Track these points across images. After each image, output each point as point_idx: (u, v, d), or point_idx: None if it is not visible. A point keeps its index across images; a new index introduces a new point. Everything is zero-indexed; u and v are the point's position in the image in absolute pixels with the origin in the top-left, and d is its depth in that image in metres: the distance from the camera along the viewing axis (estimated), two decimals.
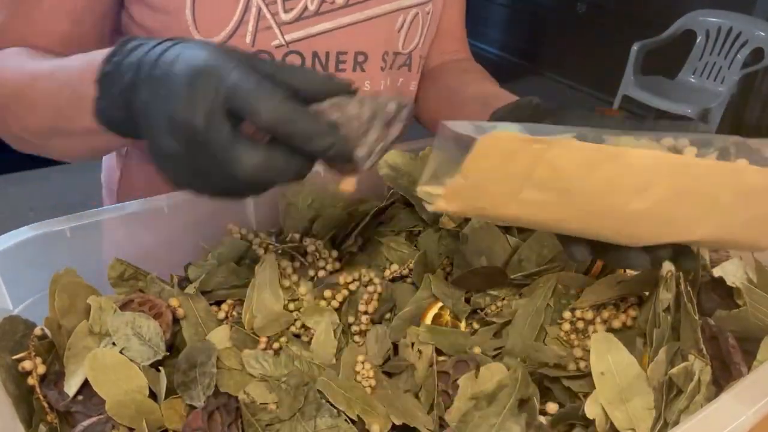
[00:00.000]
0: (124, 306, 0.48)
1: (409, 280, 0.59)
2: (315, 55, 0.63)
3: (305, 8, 0.61)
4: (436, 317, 0.54)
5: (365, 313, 0.54)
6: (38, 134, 0.50)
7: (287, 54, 0.62)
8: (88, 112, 0.42)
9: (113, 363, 0.44)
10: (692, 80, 2.97)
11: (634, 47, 2.88)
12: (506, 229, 0.60)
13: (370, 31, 0.65)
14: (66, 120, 0.46)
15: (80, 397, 0.43)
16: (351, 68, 0.66)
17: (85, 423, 0.42)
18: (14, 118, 0.51)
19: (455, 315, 0.54)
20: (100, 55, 0.41)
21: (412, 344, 0.52)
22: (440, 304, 0.54)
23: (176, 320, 0.50)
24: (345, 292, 0.55)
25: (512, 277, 0.55)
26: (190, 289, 0.52)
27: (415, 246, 0.61)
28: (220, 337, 0.50)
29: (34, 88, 0.48)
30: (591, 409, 0.43)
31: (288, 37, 0.61)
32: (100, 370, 0.43)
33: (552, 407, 0.47)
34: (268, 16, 0.59)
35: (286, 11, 0.60)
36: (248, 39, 0.60)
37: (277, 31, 0.60)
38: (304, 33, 0.61)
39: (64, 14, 0.56)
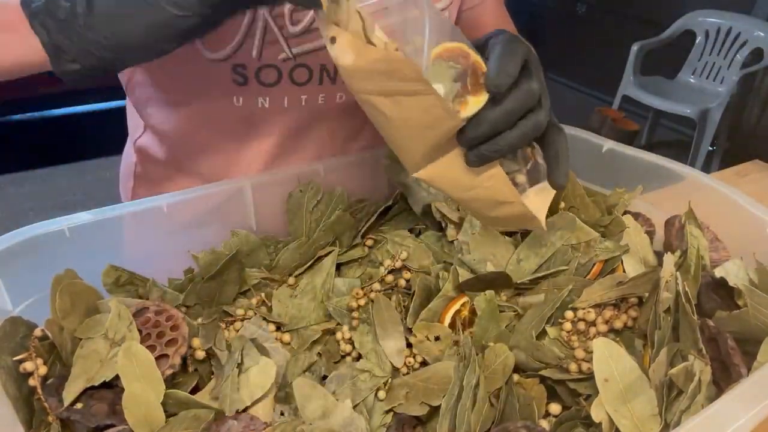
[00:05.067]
0: (138, 313, 0.48)
1: (406, 275, 0.59)
2: (323, 68, 0.62)
3: (313, 20, 0.59)
4: (456, 312, 0.54)
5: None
6: None
7: (294, 67, 0.61)
8: None
9: None
10: (692, 80, 2.97)
11: (634, 47, 2.87)
12: (509, 234, 0.60)
13: None
14: None
15: (79, 405, 0.43)
16: None
17: None
18: None
19: (473, 310, 0.54)
20: None
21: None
22: (464, 299, 0.54)
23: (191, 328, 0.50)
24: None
25: (518, 282, 0.55)
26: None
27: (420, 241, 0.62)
28: None
29: None
30: (597, 412, 0.43)
31: (295, 50, 0.60)
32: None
33: (555, 408, 0.47)
34: (275, 29, 0.58)
35: (293, 24, 0.59)
36: (254, 53, 0.59)
37: (283, 44, 0.59)
38: (311, 46, 0.60)
39: None
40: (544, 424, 0.46)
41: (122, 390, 0.42)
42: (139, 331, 0.46)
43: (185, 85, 0.63)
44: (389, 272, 0.58)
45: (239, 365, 0.48)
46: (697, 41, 2.92)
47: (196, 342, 0.50)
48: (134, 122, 0.75)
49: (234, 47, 0.58)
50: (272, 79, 0.61)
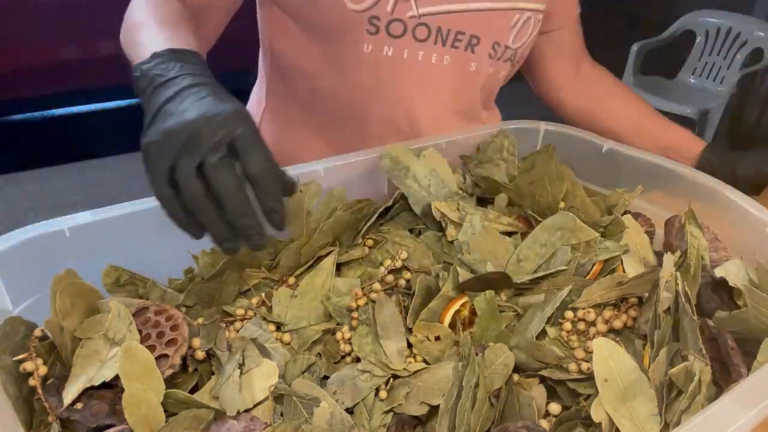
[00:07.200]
0: (138, 313, 0.48)
1: (406, 275, 0.59)
2: (438, 30, 0.72)
3: None
4: (456, 312, 0.54)
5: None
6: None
7: (417, 25, 0.71)
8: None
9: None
10: (692, 80, 2.97)
11: (634, 47, 2.87)
12: (509, 234, 0.60)
13: (489, 19, 0.74)
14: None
15: (79, 405, 0.43)
16: (464, 47, 0.75)
17: None
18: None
19: (473, 310, 0.54)
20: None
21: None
22: (463, 299, 0.54)
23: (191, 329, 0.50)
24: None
25: (518, 282, 0.55)
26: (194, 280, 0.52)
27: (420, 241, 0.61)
28: None
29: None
30: (597, 412, 0.43)
31: (422, 10, 0.70)
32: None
33: (555, 408, 0.47)
34: None
35: None
36: (389, 7, 0.69)
37: (413, 3, 0.70)
38: (434, 9, 0.71)
39: None
40: (544, 424, 0.46)
41: (122, 390, 0.42)
42: (139, 331, 0.46)
43: (324, 30, 0.72)
44: (389, 272, 0.58)
45: (241, 366, 0.48)
46: (697, 41, 2.92)
47: (196, 342, 0.50)
48: (265, 70, 0.85)
49: (374, 1, 0.68)
50: (398, 32, 0.71)
